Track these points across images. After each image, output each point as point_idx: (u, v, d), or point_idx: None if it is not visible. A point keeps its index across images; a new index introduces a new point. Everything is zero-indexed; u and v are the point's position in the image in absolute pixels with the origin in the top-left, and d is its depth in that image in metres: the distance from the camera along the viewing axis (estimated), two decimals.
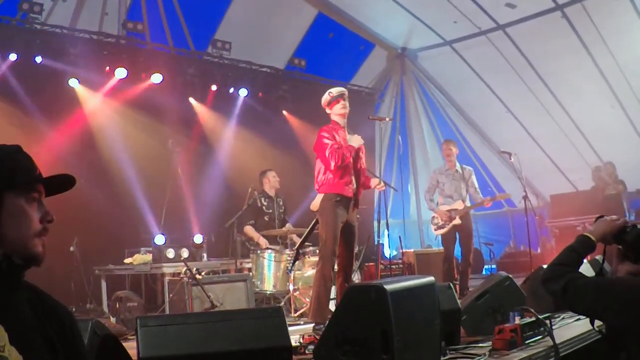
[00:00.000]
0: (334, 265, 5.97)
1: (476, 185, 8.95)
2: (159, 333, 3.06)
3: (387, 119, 6.64)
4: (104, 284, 8.59)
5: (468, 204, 8.87)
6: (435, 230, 8.95)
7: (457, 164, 8.97)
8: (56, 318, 1.73)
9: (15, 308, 1.62)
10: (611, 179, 11.86)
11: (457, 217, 8.64)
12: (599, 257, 2.91)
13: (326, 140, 6.01)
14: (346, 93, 6.26)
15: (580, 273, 2.68)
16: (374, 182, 6.42)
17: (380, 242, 7.47)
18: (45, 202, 1.74)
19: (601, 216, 2.85)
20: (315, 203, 6.11)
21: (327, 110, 6.24)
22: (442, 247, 8.97)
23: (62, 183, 1.79)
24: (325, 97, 6.23)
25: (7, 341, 1.53)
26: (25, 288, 1.71)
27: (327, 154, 5.95)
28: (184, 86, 10.62)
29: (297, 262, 7.74)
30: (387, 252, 10.15)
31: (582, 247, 2.76)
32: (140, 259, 8.29)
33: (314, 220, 6.29)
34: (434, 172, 9.28)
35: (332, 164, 5.93)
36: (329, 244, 5.89)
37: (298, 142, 12.15)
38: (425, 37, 13.42)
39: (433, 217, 8.97)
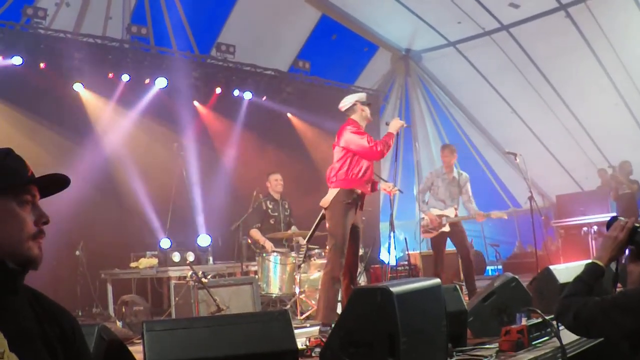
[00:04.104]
0: (342, 268, 5.95)
1: (470, 193, 8.78)
2: (165, 337, 3.05)
3: (405, 125, 6.54)
4: (110, 288, 8.60)
5: (460, 211, 8.77)
6: (422, 233, 8.77)
7: (455, 170, 8.85)
8: (56, 321, 1.71)
9: (14, 313, 1.60)
10: (626, 178, 11.85)
11: (447, 224, 8.51)
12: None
13: (359, 132, 6.01)
14: None
15: (587, 298, 2.66)
16: (387, 186, 6.42)
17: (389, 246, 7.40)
18: (40, 204, 1.71)
19: (615, 217, 2.81)
20: (326, 199, 6.02)
21: (354, 108, 6.21)
22: (449, 249, 8.88)
23: (55, 183, 1.74)
24: (361, 96, 6.25)
25: (6, 347, 1.51)
26: (24, 292, 1.68)
27: (368, 144, 5.92)
28: (188, 89, 10.63)
29: (302, 265, 7.75)
30: (392, 254, 10.12)
31: (590, 275, 2.73)
32: (146, 262, 8.29)
33: (320, 214, 6.24)
34: (431, 173, 9.13)
35: (375, 152, 5.93)
36: (339, 246, 5.86)
37: (303, 144, 12.16)
38: (429, 38, 13.42)
39: (422, 218, 8.80)
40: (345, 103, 6.25)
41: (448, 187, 8.73)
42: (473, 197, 8.83)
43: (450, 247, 8.72)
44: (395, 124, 6.21)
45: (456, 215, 8.56)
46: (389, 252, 7.97)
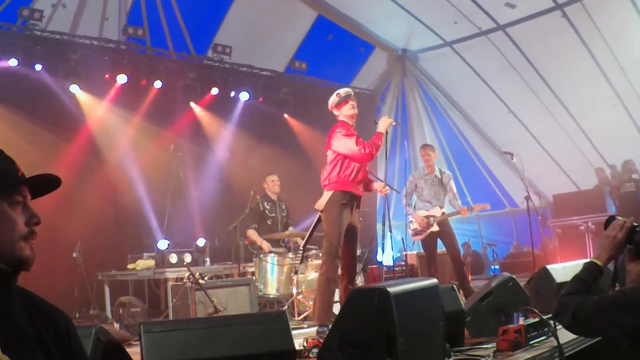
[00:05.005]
0: (338, 268, 5.94)
1: (454, 190, 8.80)
2: (163, 339, 3.05)
3: (394, 123, 6.52)
4: (107, 290, 8.59)
5: (446, 209, 8.77)
6: (412, 235, 8.74)
7: (436, 169, 8.83)
8: (51, 322, 1.70)
9: (8, 315, 1.59)
10: (628, 176, 11.90)
11: (435, 224, 8.50)
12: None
13: (348, 134, 5.96)
14: (353, 93, 6.24)
15: (586, 297, 2.65)
16: (378, 185, 6.39)
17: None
18: (31, 204, 1.69)
19: (612, 217, 2.81)
20: (321, 202, 6.01)
21: (335, 112, 6.15)
22: (444, 249, 8.88)
23: (46, 184, 1.73)
24: (333, 99, 6.15)
25: None
26: (18, 293, 1.67)
27: (358, 147, 5.86)
28: (185, 90, 10.62)
29: (300, 266, 7.74)
30: (388, 254, 10.11)
31: (588, 274, 2.73)
32: (143, 264, 8.28)
33: (317, 217, 6.23)
34: (413, 176, 9.06)
35: (364, 154, 5.87)
36: (334, 247, 5.85)
37: (300, 144, 12.15)
38: (426, 38, 13.43)
39: (410, 222, 8.78)
40: (329, 106, 6.25)
41: (432, 187, 8.74)
42: (458, 194, 8.88)
43: (442, 247, 8.71)
44: (383, 123, 6.18)
45: (443, 214, 8.57)
46: (383, 251, 7.97)
